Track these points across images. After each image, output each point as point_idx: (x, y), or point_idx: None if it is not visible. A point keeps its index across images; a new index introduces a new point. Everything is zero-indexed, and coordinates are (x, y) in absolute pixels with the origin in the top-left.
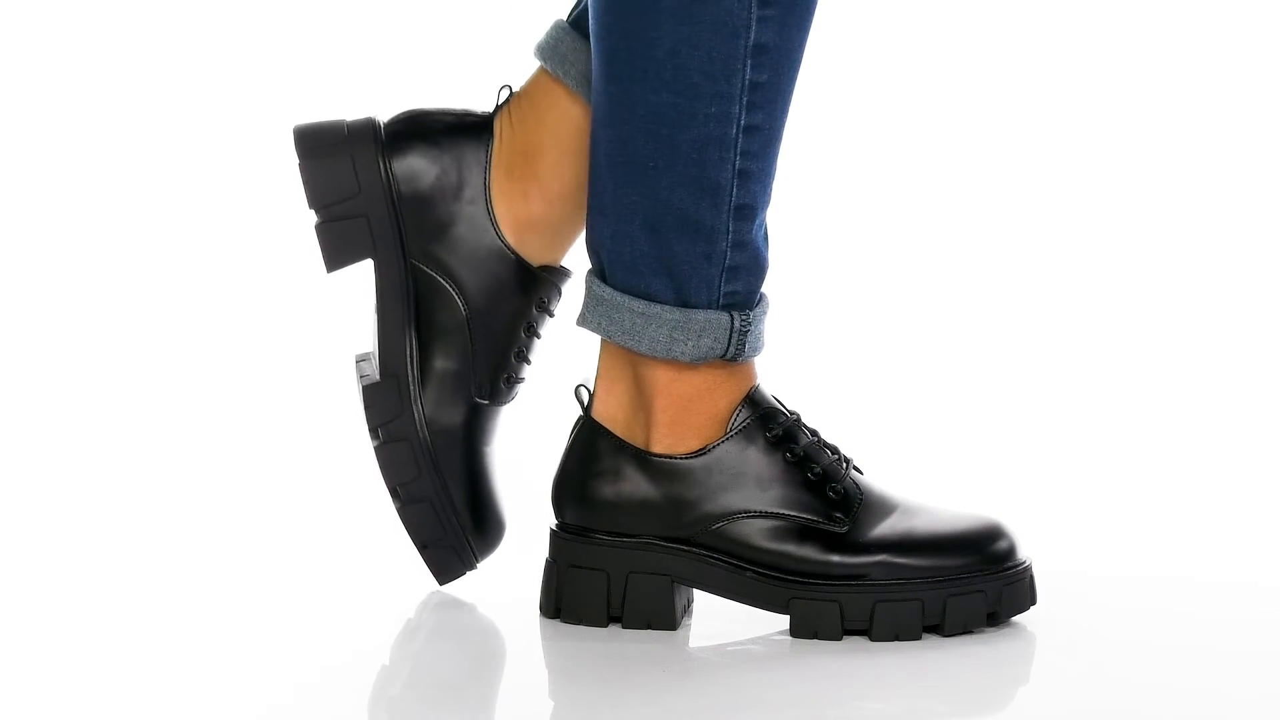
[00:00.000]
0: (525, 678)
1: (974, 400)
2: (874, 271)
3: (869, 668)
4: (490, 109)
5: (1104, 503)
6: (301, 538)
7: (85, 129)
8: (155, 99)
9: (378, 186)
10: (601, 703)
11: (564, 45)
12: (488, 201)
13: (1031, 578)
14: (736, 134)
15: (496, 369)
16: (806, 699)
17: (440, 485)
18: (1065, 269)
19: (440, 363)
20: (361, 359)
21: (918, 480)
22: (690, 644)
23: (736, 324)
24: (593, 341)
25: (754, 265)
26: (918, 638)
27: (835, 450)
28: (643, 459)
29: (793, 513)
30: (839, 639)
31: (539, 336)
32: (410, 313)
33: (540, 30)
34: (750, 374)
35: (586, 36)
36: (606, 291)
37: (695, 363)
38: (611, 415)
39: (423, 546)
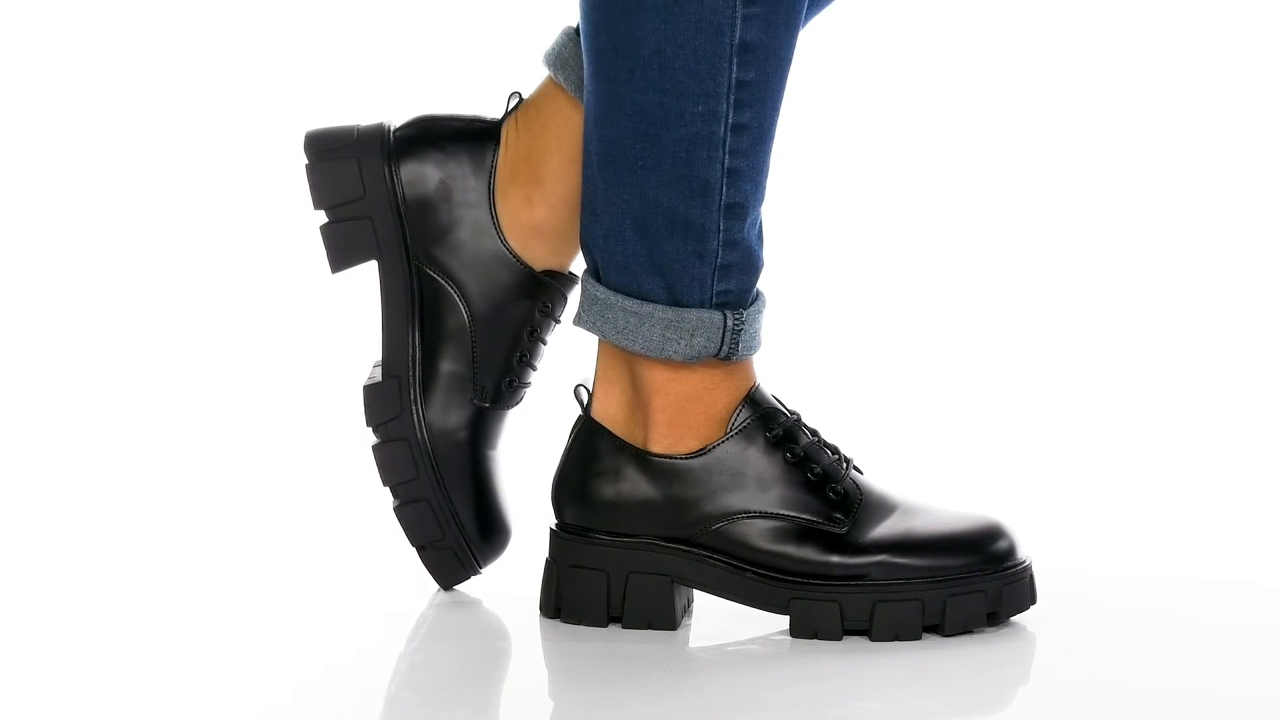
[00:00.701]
0: (525, 678)
1: (974, 400)
2: (874, 271)
3: (869, 668)
4: (500, 116)
5: (1104, 503)
6: (303, 538)
7: (98, 132)
8: (174, 103)
9: (382, 190)
10: (601, 703)
11: (567, 51)
12: (491, 206)
13: (1031, 578)
14: (724, 132)
15: (500, 373)
16: (806, 699)
17: (439, 486)
18: (1064, 268)
19: (443, 366)
20: (378, 364)
21: (918, 480)
22: (690, 644)
23: (730, 323)
24: (593, 341)
25: (747, 264)
26: (918, 638)
27: (835, 450)
28: (642, 459)
29: (793, 513)
30: (839, 639)
31: (543, 341)
32: (414, 315)
33: (550, 37)
34: (749, 374)
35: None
36: (601, 291)
37: (689, 362)
38: (610, 415)
39: (420, 547)
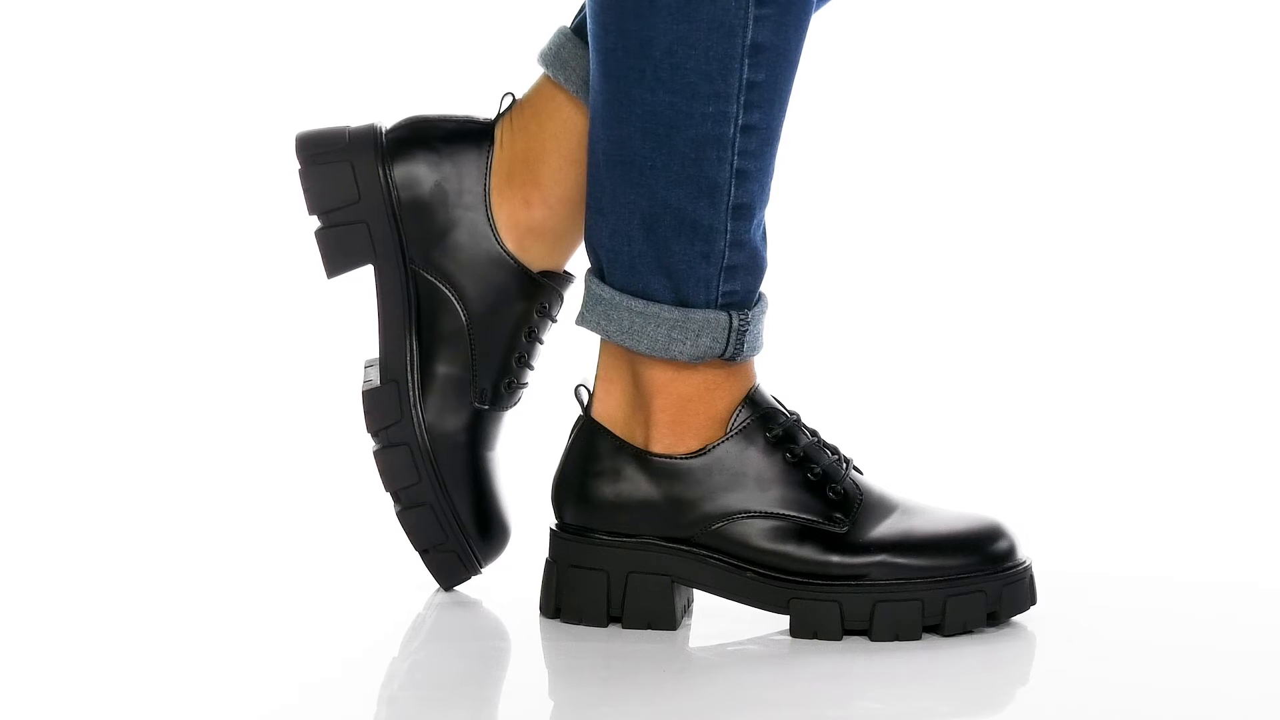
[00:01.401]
0: (525, 678)
1: (973, 400)
2: (874, 271)
3: (869, 668)
4: (493, 116)
5: (1104, 503)
6: (303, 539)
7: (90, 135)
8: (165, 106)
9: (377, 193)
10: (601, 703)
11: (566, 51)
12: (487, 208)
13: (1031, 578)
14: (734, 134)
15: (498, 374)
16: (806, 699)
17: (440, 490)
18: (1064, 269)
19: (441, 368)
20: (369, 364)
21: (918, 480)
22: (690, 644)
23: (735, 323)
24: (593, 341)
25: (752, 265)
26: (918, 638)
27: (835, 450)
28: (642, 459)
29: (792, 513)
30: (839, 639)
31: (541, 342)
32: (411, 318)
33: (544, 37)
34: (750, 374)
35: (588, 42)
36: (605, 291)
37: (694, 362)
38: (611, 415)
39: (424, 551)
